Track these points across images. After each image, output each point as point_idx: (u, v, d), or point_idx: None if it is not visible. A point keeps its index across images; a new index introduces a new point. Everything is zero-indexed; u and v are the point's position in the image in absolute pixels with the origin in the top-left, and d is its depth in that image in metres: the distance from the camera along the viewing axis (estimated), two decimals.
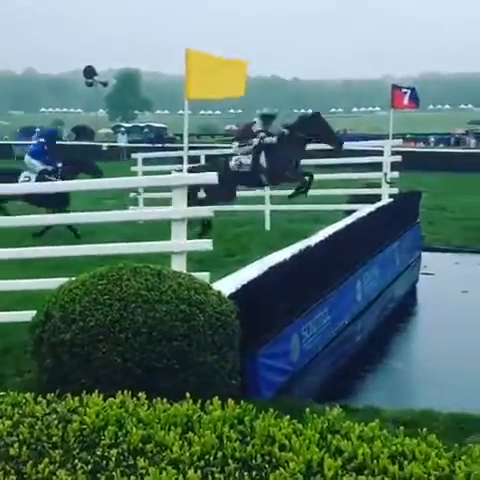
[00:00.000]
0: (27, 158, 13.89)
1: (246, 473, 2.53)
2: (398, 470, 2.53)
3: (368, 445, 2.68)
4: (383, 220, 10.11)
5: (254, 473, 2.53)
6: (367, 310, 8.74)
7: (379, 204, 11.08)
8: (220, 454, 2.66)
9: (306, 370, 6.58)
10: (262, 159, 11.35)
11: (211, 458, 2.64)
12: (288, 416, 2.94)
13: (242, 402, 3.03)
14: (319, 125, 11.24)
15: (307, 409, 3.01)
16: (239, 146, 11.67)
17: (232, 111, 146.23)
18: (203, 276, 5.59)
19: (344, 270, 8.00)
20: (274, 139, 11.37)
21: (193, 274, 5.29)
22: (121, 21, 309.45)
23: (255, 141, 11.41)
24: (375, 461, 2.59)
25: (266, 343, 5.80)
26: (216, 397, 3.07)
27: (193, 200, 11.60)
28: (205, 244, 6.24)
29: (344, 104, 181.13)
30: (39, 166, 13.48)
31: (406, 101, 13.35)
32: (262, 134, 11.47)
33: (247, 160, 11.46)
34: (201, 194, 11.10)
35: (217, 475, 2.51)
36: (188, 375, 4.46)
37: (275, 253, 7.01)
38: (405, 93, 13.38)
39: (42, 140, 14.32)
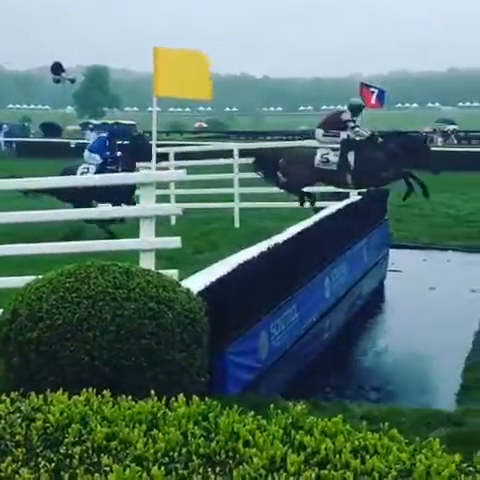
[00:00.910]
0: (86, 153, 13.51)
1: (210, 469, 2.55)
2: (360, 464, 2.56)
3: (331, 440, 2.72)
4: (351, 217, 10.16)
5: (218, 469, 2.55)
6: (335, 307, 8.79)
7: (347, 201, 11.14)
8: (184, 450, 2.68)
9: (275, 367, 6.60)
10: (350, 158, 10.67)
11: (175, 455, 2.66)
12: (252, 412, 2.97)
13: (207, 399, 3.04)
14: (425, 150, 10.74)
15: (271, 405, 3.03)
16: (324, 135, 10.96)
17: (202, 109, 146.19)
18: (172, 274, 5.58)
19: (312, 267, 8.04)
20: (365, 133, 10.79)
21: (162, 272, 5.28)
22: (89, 18, 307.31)
23: (343, 135, 10.74)
24: (337, 456, 2.62)
25: (235, 340, 5.81)
26: (181, 394, 3.07)
27: (277, 182, 11.45)
28: (174, 242, 6.23)
29: (313, 102, 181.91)
30: (99, 160, 13.15)
31: (373, 100, 13.45)
32: (351, 124, 10.83)
33: (334, 158, 10.75)
34: (282, 178, 10.86)
35: (181, 471, 2.53)
36: (156, 373, 4.45)
37: (244, 250, 7.02)
38: (373, 92, 13.48)
39: (104, 135, 13.97)
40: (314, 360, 7.48)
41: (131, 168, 12.15)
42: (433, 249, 13.05)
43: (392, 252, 12.16)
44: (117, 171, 12.62)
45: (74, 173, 12.73)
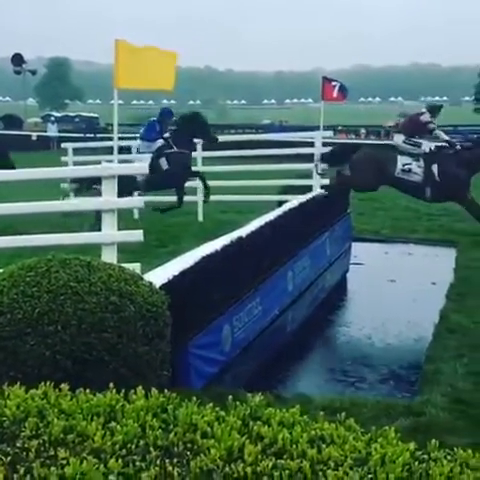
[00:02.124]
0: (139, 143, 12.66)
1: (167, 460, 2.56)
2: (316, 453, 2.60)
3: (288, 430, 2.76)
4: (314, 211, 10.22)
5: (175, 460, 2.57)
6: (298, 300, 8.84)
7: (310, 195, 11.19)
8: (142, 443, 2.69)
9: (238, 360, 6.62)
10: (434, 170, 10.26)
11: (133, 447, 2.66)
12: (211, 404, 2.98)
13: (166, 391, 3.05)
14: None
15: (230, 396, 3.05)
16: (404, 142, 10.48)
17: (165, 101, 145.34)
18: (134, 267, 5.56)
19: (275, 260, 8.07)
20: (445, 136, 10.41)
21: (124, 265, 5.26)
22: (52, 9, 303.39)
23: (425, 146, 10.33)
24: (294, 445, 2.66)
25: (198, 334, 5.82)
26: (140, 387, 3.07)
27: (338, 175, 11.12)
28: (136, 235, 6.19)
29: (276, 96, 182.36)
30: (152, 148, 12.20)
31: (335, 93, 13.46)
32: (431, 126, 10.49)
33: (418, 169, 10.35)
34: (346, 171, 10.56)
35: (138, 463, 2.54)
36: (119, 367, 4.43)
37: (207, 244, 7.02)
38: (334, 86, 13.49)
39: (153, 119, 12.84)
40: (277, 352, 7.52)
41: (186, 154, 11.55)
42: (394, 242, 13.20)
43: (354, 245, 12.27)
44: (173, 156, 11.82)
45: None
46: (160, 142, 12.29)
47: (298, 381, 6.90)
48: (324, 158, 11.55)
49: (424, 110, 10.91)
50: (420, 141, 10.49)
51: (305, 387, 6.43)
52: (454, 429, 4.85)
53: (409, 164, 10.43)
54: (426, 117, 10.66)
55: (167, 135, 12.42)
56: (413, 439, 2.83)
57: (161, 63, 8.35)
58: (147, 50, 8.21)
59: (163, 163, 11.97)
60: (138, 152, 12.64)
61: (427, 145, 10.43)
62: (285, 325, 8.29)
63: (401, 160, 10.54)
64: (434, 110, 10.84)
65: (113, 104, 7.94)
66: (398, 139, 10.76)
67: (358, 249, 12.22)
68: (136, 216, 13.15)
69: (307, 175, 13.13)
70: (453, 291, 9.20)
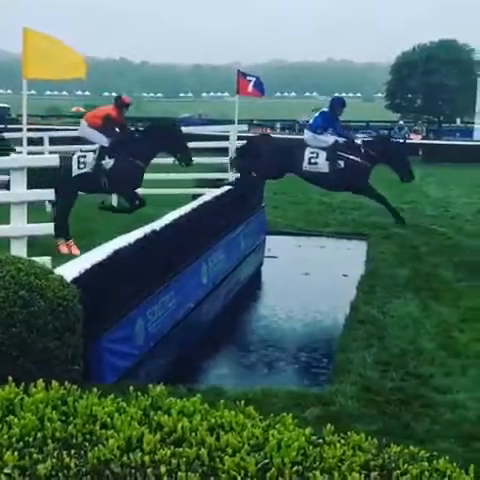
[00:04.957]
0: (309, 135, 11.86)
1: (65, 452, 2.56)
2: (215, 441, 2.65)
3: (188, 419, 2.79)
4: (228, 204, 10.28)
5: (73, 452, 2.58)
6: (213, 293, 8.88)
7: (224, 189, 11.24)
8: (40, 435, 2.68)
9: (152, 354, 6.61)
10: None
11: (30, 439, 2.65)
12: (112, 395, 2.98)
13: (66, 383, 3.03)
14: None
15: (131, 387, 3.05)
16: None
17: (79, 93, 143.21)
18: (44, 261, 5.47)
19: (190, 254, 8.09)
20: None
21: (34, 259, 5.17)
22: None
23: None
24: (194, 433, 2.70)
25: (110, 327, 5.77)
26: (40, 379, 3.04)
27: None
28: (46, 228, 6.09)
29: (193, 89, 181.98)
30: (329, 141, 11.53)
31: (250, 89, 13.52)
32: None
33: None
34: None
35: (35, 456, 2.53)
36: (27, 362, 4.37)
37: (121, 237, 6.96)
38: (250, 81, 13.55)
39: (325, 109, 12.05)
40: (192, 345, 7.54)
41: (366, 166, 11.35)
42: (308, 235, 13.38)
43: (269, 238, 12.40)
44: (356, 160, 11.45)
45: (297, 157, 11.61)
46: (335, 138, 11.83)
47: (212, 374, 6.93)
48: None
49: None
50: None
51: (219, 379, 6.47)
52: (361, 417, 4.99)
53: None
54: None
55: (360, 142, 12.09)
56: (322, 428, 2.90)
57: (70, 52, 8.25)
58: (56, 41, 8.08)
59: (340, 165, 11.77)
60: (309, 145, 12.01)
61: None
62: (200, 318, 8.32)
63: None
64: None
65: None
66: None
67: (272, 242, 12.35)
68: (48, 209, 12.88)
69: (221, 169, 13.22)
70: (364, 283, 9.41)
